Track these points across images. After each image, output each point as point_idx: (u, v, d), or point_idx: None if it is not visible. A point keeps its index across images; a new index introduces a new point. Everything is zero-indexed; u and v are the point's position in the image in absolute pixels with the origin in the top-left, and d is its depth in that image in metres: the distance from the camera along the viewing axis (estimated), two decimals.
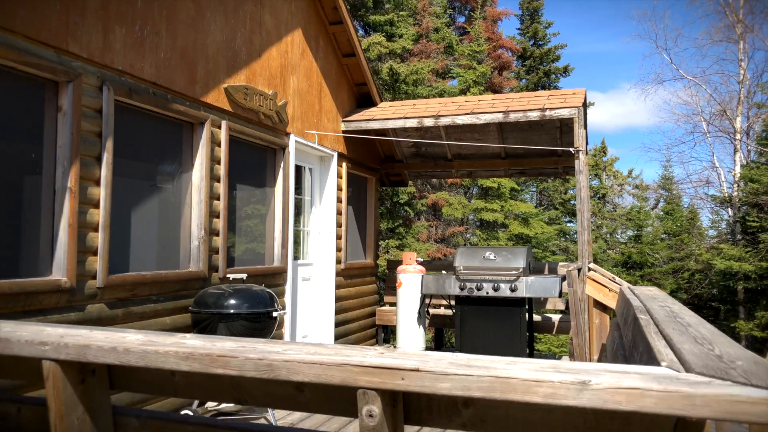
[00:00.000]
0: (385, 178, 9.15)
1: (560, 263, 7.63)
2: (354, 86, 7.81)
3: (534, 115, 6.71)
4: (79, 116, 3.77)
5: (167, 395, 1.63)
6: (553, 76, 25.31)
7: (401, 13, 14.10)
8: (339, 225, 7.48)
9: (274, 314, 4.58)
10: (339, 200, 7.48)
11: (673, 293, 24.50)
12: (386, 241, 13.31)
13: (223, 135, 5.15)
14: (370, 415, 1.20)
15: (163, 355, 1.37)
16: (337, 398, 1.33)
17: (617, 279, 6.20)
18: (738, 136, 17.18)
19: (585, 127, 7.49)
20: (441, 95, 15.33)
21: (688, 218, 28.11)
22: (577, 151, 6.54)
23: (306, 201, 7.16)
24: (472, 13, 19.75)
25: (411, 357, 1.24)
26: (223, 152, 5.16)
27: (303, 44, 6.55)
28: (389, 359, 1.21)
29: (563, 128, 7.63)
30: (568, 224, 28.39)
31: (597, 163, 30.26)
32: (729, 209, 18.55)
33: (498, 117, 6.85)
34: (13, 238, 3.53)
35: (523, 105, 6.89)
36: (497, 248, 7.14)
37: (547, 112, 6.66)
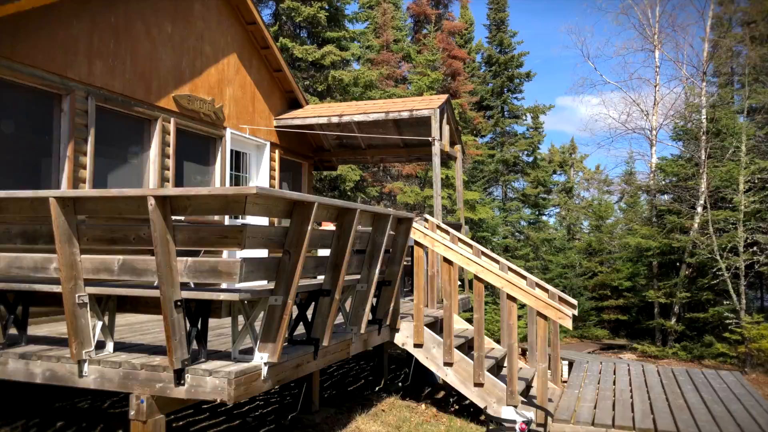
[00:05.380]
0: (319, 164, 11.75)
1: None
2: (285, 92, 10.42)
3: (405, 114, 9.29)
4: (74, 114, 6.41)
5: (98, 214, 4.21)
6: (517, 80, 27.79)
7: (352, 30, 16.76)
8: None
9: None
10: (272, 178, 10.08)
11: (632, 278, 26.77)
12: None
13: (171, 127, 7.77)
14: (151, 204, 3.76)
15: (91, 191, 3.97)
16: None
17: (443, 239, 8.70)
18: (654, 133, 19.59)
19: (451, 122, 10.07)
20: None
21: (651, 210, 30.46)
22: (434, 140, 9.11)
23: (245, 177, 9.77)
24: (426, 26, 22.34)
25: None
26: (172, 139, 7.78)
27: (238, 64, 9.17)
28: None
29: (442, 124, 10.17)
30: (544, 216, 30.80)
31: (565, 160, 32.65)
32: (647, 195, 20.96)
33: (381, 116, 9.44)
34: (35, 185, 6.15)
35: (399, 107, 9.47)
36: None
37: (414, 112, 9.23)
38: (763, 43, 18.49)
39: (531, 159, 29.71)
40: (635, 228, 18.90)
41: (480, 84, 27.30)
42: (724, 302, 15.69)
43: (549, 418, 6.00)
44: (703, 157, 16.88)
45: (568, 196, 31.65)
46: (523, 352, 12.66)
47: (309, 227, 4.24)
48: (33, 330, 5.50)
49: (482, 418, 6.26)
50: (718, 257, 15.36)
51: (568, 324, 6.08)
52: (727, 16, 21.42)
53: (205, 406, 6.31)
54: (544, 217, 31.51)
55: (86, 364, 4.23)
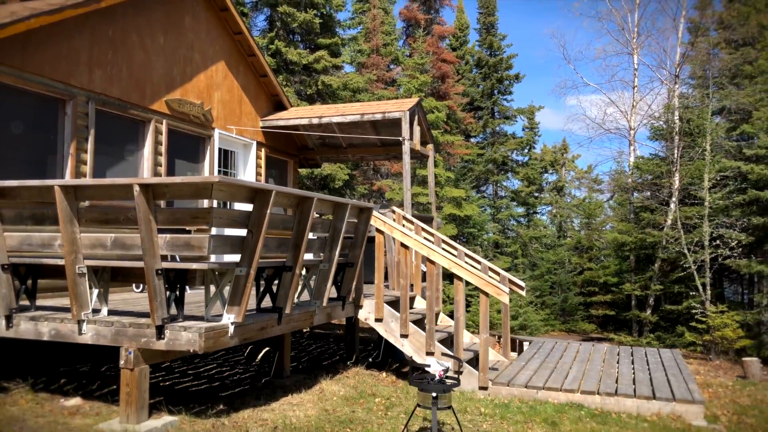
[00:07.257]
0: (304, 162, 12.65)
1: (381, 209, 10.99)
2: (271, 96, 11.33)
3: (378, 116, 10.18)
4: (76, 116, 7.31)
5: (94, 200, 5.09)
6: (506, 82, 28.64)
7: (343, 36, 17.70)
8: None
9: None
10: (259, 174, 10.98)
11: (619, 273, 27.52)
12: None
13: (164, 128, 8.68)
14: (136, 190, 4.64)
15: (89, 180, 4.85)
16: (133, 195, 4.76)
17: (400, 227, 9.58)
18: (632, 133, 20.42)
19: (423, 124, 10.94)
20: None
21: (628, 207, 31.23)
22: (404, 139, 9.99)
23: (232, 173, 10.67)
24: (416, 31, 23.25)
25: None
26: (164, 138, 8.68)
27: (226, 70, 10.08)
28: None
29: (413, 126, 11.05)
30: (537, 214, 31.57)
31: (556, 159, 33.46)
32: (625, 192, 21.81)
33: (357, 117, 10.33)
34: (41, 179, 7.05)
35: (374, 109, 10.36)
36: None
37: (387, 114, 10.12)
38: (737, 47, 19.29)
39: (526, 158, 30.53)
40: (615, 224, 19.75)
41: (471, 86, 28.16)
42: (691, 293, 16.52)
43: (490, 382, 6.87)
44: (676, 155, 17.73)
45: (559, 195, 32.45)
46: (499, 339, 13.54)
47: (268, 211, 5.13)
48: (40, 302, 6.40)
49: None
50: (686, 251, 16.20)
51: (505, 299, 6.96)
52: (703, 21, 22.21)
53: (190, 372, 7.21)
54: (537, 215, 32.36)
55: (85, 324, 5.12)
